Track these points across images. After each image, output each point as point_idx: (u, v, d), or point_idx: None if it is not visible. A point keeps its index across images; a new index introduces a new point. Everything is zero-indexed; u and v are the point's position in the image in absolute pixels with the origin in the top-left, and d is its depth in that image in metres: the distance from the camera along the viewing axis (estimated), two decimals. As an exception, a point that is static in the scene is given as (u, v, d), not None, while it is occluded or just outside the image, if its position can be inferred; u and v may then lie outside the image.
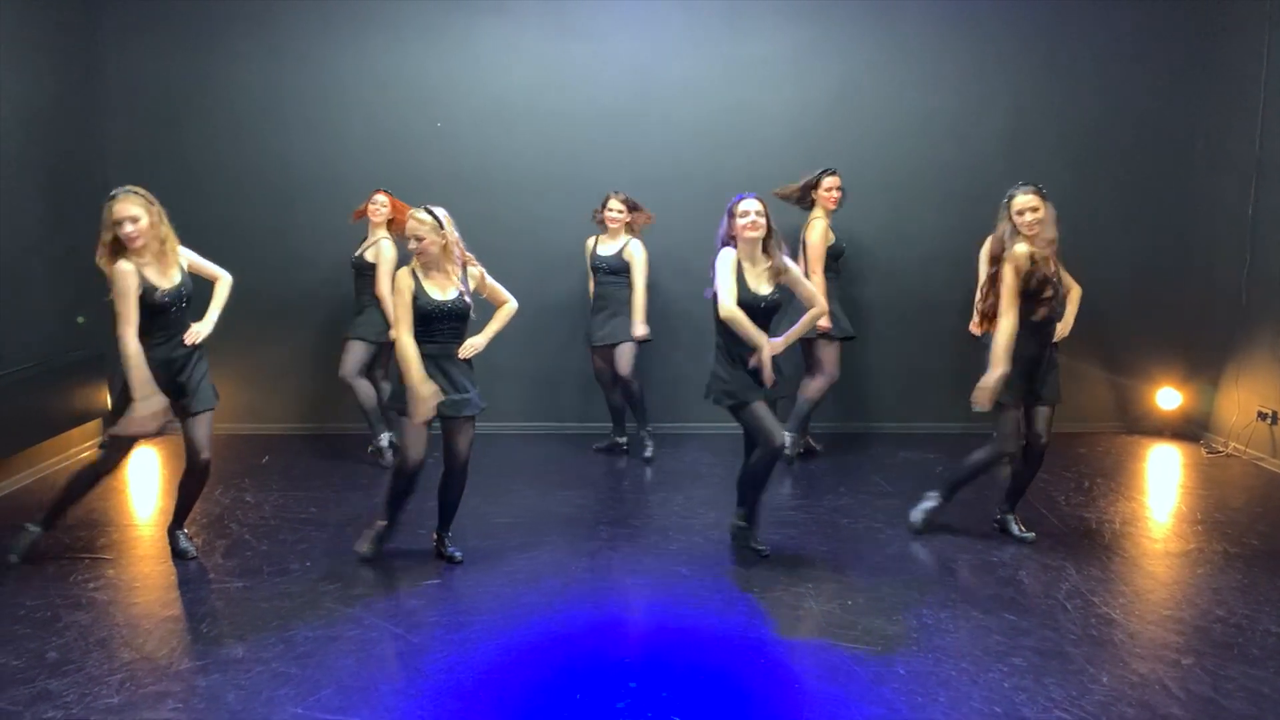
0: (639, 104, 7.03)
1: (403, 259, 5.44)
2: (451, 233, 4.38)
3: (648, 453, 6.43)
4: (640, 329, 6.21)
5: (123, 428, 4.34)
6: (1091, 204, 7.01)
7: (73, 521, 5.17)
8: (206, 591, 4.31)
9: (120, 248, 4.25)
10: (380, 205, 6.17)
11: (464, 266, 4.46)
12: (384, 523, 4.64)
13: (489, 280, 4.59)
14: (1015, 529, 4.98)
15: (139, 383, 4.25)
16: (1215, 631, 3.96)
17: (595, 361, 6.44)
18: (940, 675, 3.57)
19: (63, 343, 6.25)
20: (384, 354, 6.18)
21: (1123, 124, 7.09)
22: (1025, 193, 4.61)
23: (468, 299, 4.43)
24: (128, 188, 4.29)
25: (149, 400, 4.27)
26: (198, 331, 4.48)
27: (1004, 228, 4.64)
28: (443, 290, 4.38)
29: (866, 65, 7.05)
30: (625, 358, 6.24)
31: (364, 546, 4.62)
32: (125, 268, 4.23)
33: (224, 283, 4.70)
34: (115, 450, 4.51)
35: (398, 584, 4.41)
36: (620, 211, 6.23)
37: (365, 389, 6.16)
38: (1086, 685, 3.50)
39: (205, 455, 4.54)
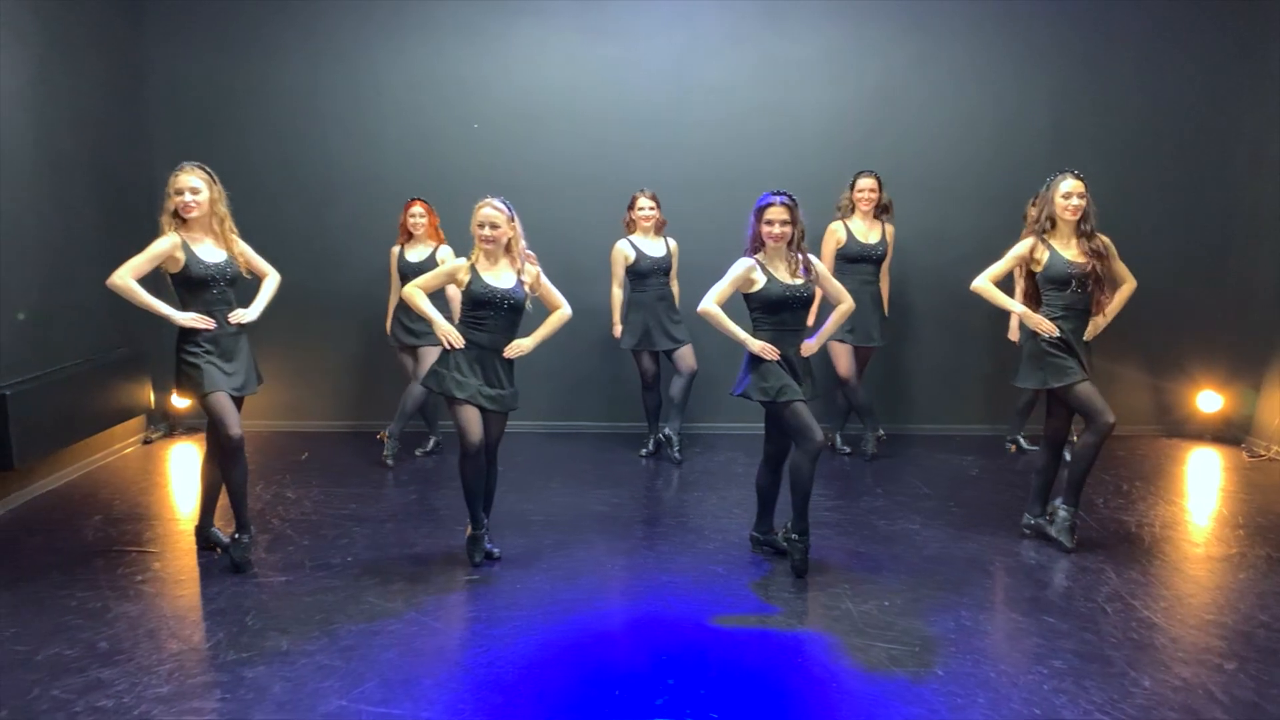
0: (674, 105, 7.05)
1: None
2: (518, 226, 4.52)
3: (679, 455, 6.44)
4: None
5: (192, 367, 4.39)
6: (1132, 204, 6.94)
7: (119, 516, 5.30)
8: (250, 585, 4.38)
9: (181, 220, 4.41)
10: (419, 216, 6.24)
11: (524, 263, 4.55)
12: (477, 530, 4.61)
13: (544, 281, 4.65)
14: (1050, 530, 4.93)
15: (152, 304, 4.38)
16: (1259, 637, 3.92)
17: (644, 363, 6.41)
18: (979, 676, 3.57)
19: (109, 340, 6.37)
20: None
21: (1165, 123, 7.02)
22: (1071, 178, 4.72)
23: (524, 292, 4.52)
24: (194, 162, 4.47)
25: (181, 314, 4.39)
26: (242, 314, 4.55)
27: (1043, 211, 4.77)
28: (499, 279, 4.48)
29: (904, 65, 7.03)
30: (691, 355, 6.35)
31: (476, 557, 4.60)
32: (170, 236, 4.39)
33: (273, 278, 4.79)
34: (218, 427, 4.41)
35: (437, 580, 4.46)
36: (652, 208, 6.24)
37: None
38: (1128, 689, 3.48)
39: (237, 430, 4.40)
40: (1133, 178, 7.02)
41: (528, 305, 4.58)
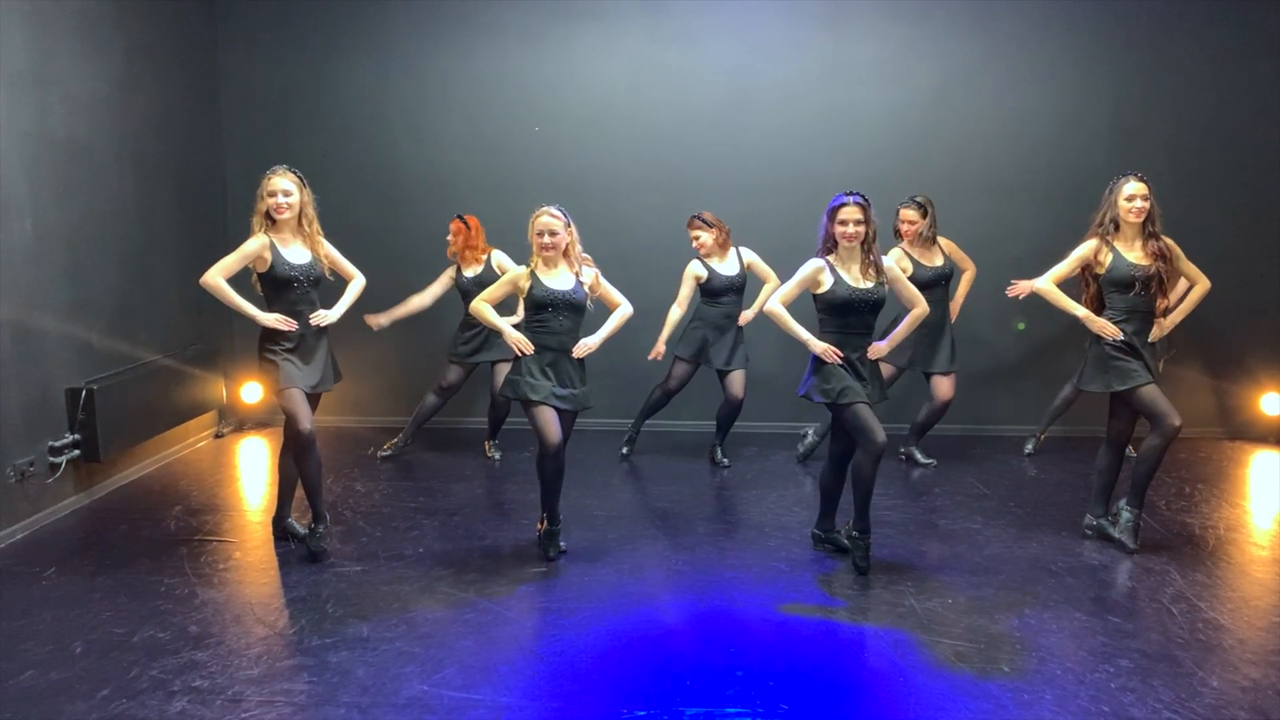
0: (736, 107, 7.12)
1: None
2: (574, 232, 4.67)
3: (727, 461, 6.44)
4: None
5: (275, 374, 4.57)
6: (1195, 204, 6.87)
7: (198, 507, 5.50)
8: (328, 574, 4.54)
9: (271, 221, 4.59)
10: (450, 236, 6.27)
11: (581, 265, 4.69)
12: (554, 526, 4.72)
13: (603, 282, 4.78)
14: (1113, 531, 4.93)
15: (239, 304, 4.58)
16: (1328, 639, 3.92)
17: (679, 370, 6.33)
18: (1046, 674, 3.61)
19: (185, 337, 6.59)
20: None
21: (1227, 122, 6.94)
22: (1135, 181, 4.73)
23: (584, 292, 4.66)
24: (286, 166, 4.67)
25: (265, 315, 4.57)
26: (324, 315, 4.71)
27: (1106, 214, 4.78)
28: (558, 282, 4.62)
29: (965, 65, 7.04)
30: (742, 382, 6.25)
31: (552, 552, 4.72)
32: (259, 237, 4.57)
33: (357, 281, 4.94)
34: (291, 422, 4.58)
35: (507, 571, 4.58)
36: (703, 235, 6.05)
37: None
38: (1196, 688, 3.50)
39: (307, 425, 4.54)
40: (1194, 177, 6.96)
41: (589, 306, 4.71)
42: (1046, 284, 4.90)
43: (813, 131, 7.11)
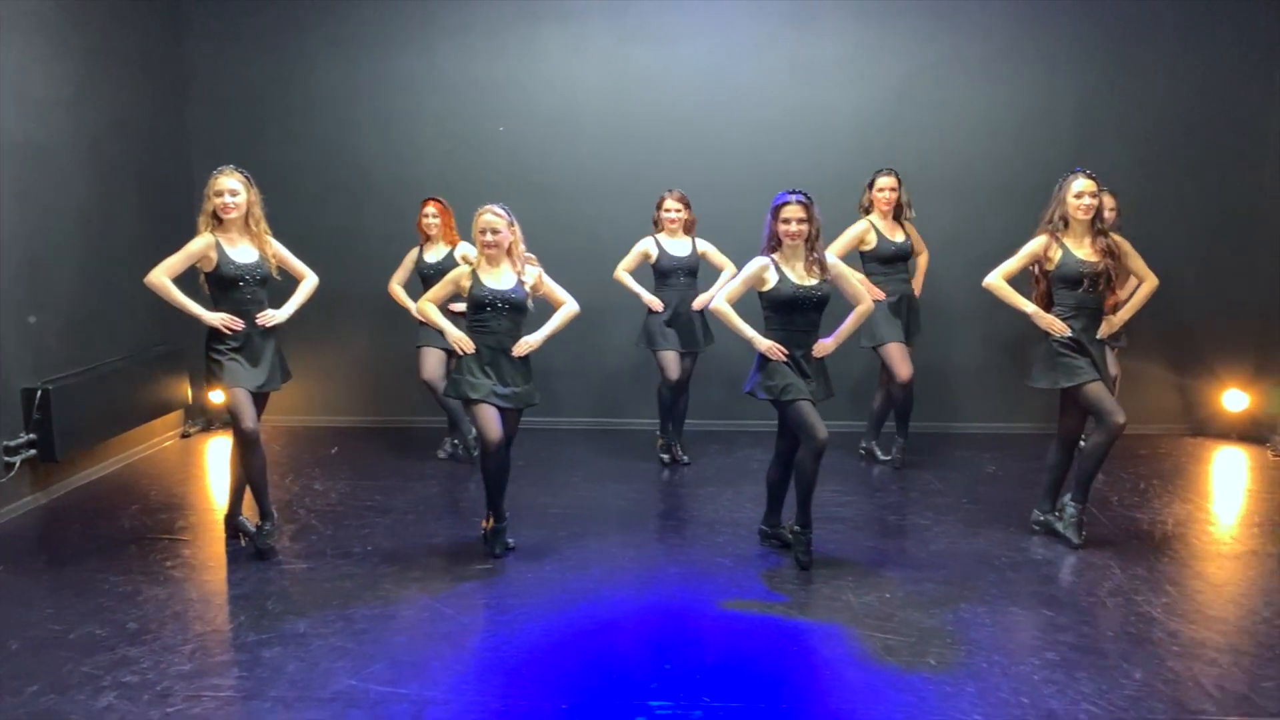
0: (703, 106, 7.15)
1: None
2: (517, 230, 4.67)
3: (687, 458, 6.41)
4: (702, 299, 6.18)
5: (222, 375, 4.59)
6: (1157, 202, 6.90)
7: (156, 506, 5.53)
8: (274, 572, 4.57)
9: (218, 221, 4.61)
10: (432, 217, 6.22)
11: (524, 265, 4.70)
12: (499, 523, 4.75)
13: (547, 281, 4.79)
14: (1059, 526, 4.95)
15: (184, 303, 4.60)
16: (1260, 633, 3.94)
17: (673, 363, 6.21)
18: (972, 667, 3.64)
19: (149, 338, 6.62)
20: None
21: (1190, 120, 6.98)
22: (1084, 178, 4.76)
23: (524, 292, 4.65)
24: (233, 166, 4.67)
25: (210, 315, 4.59)
26: (271, 315, 4.71)
27: (1056, 210, 4.81)
28: (499, 281, 4.62)
29: (929, 66, 7.07)
30: (684, 367, 6.23)
31: (498, 549, 4.73)
32: (205, 236, 4.59)
33: (308, 281, 4.92)
34: (234, 422, 4.58)
35: (452, 569, 4.61)
36: (679, 210, 6.15)
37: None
38: (1118, 680, 3.53)
39: (250, 424, 4.56)
40: (1157, 175, 6.99)
41: (529, 305, 4.70)
42: (996, 280, 4.93)
43: (780, 130, 7.14)
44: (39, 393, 5.42)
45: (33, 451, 5.42)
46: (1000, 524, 5.20)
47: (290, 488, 5.83)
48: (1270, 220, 6.97)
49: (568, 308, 4.84)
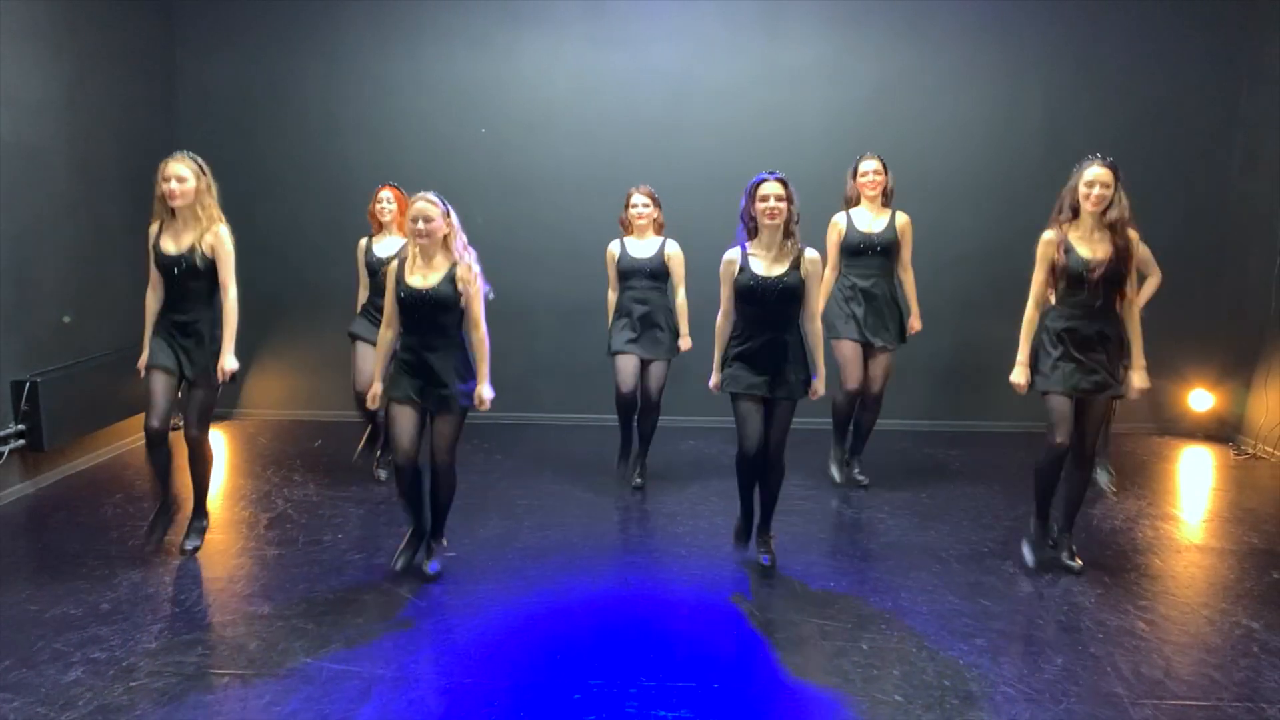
0: (676, 109, 7.32)
1: None
2: (454, 221, 4.30)
3: (639, 481, 5.94)
4: (685, 341, 5.77)
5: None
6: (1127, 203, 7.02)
7: (140, 495, 5.72)
8: (246, 558, 4.76)
9: (166, 207, 4.54)
10: (387, 203, 5.77)
11: (464, 258, 4.30)
12: (409, 529, 4.57)
13: (474, 288, 4.29)
14: (1065, 556, 4.66)
15: (146, 330, 4.67)
16: (1188, 622, 4.09)
17: (628, 370, 5.75)
18: (901, 652, 3.79)
19: (136, 333, 6.79)
20: None
21: (1156, 122, 7.11)
22: (1099, 165, 4.53)
23: (449, 288, 4.23)
24: (187, 152, 4.58)
25: (144, 354, 4.68)
26: (226, 369, 4.60)
27: (1066, 199, 4.51)
28: (424, 278, 4.26)
29: (900, 70, 7.22)
30: (660, 377, 5.77)
31: (398, 563, 4.48)
32: (151, 230, 4.62)
33: (230, 311, 4.59)
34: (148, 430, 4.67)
35: (418, 555, 4.78)
36: (646, 205, 5.73)
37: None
38: (1040, 665, 3.68)
39: (193, 431, 4.64)
40: (1125, 178, 7.09)
41: (462, 303, 4.26)
42: (1030, 315, 4.62)
43: (752, 133, 7.30)
44: (28, 385, 5.62)
45: (21, 442, 5.62)
46: (952, 518, 5.34)
47: (271, 479, 6.02)
48: (1237, 221, 7.10)
49: (478, 338, 4.35)
